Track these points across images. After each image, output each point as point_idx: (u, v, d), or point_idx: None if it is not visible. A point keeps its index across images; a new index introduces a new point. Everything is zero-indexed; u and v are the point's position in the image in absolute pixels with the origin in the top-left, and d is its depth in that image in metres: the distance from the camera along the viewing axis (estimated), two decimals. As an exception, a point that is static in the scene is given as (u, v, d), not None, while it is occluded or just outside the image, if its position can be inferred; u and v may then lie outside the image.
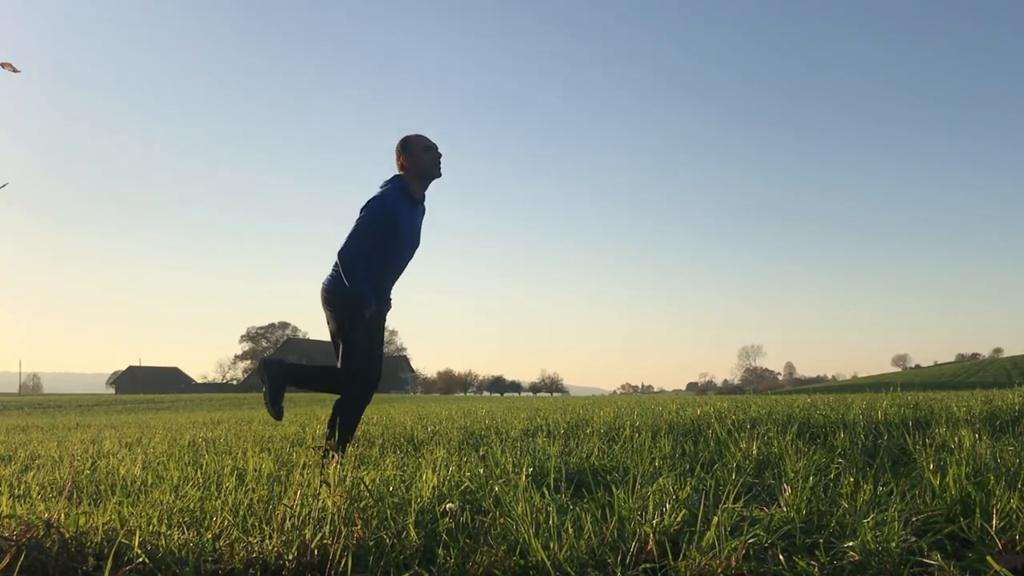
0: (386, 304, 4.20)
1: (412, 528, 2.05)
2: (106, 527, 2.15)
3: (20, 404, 30.31)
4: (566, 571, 1.79)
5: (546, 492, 2.32)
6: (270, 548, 1.93)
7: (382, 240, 3.92)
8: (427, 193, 4.13)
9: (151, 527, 2.14)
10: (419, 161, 3.95)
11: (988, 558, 1.68)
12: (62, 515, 2.16)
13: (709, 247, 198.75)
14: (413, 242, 4.08)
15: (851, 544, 1.81)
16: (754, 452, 3.29)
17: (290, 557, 1.90)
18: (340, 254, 3.91)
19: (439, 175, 4.00)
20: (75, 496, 2.96)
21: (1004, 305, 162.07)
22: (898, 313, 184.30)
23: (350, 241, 3.90)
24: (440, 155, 3.98)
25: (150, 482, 3.24)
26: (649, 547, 1.86)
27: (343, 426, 3.98)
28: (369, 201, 3.92)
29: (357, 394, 4.09)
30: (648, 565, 1.79)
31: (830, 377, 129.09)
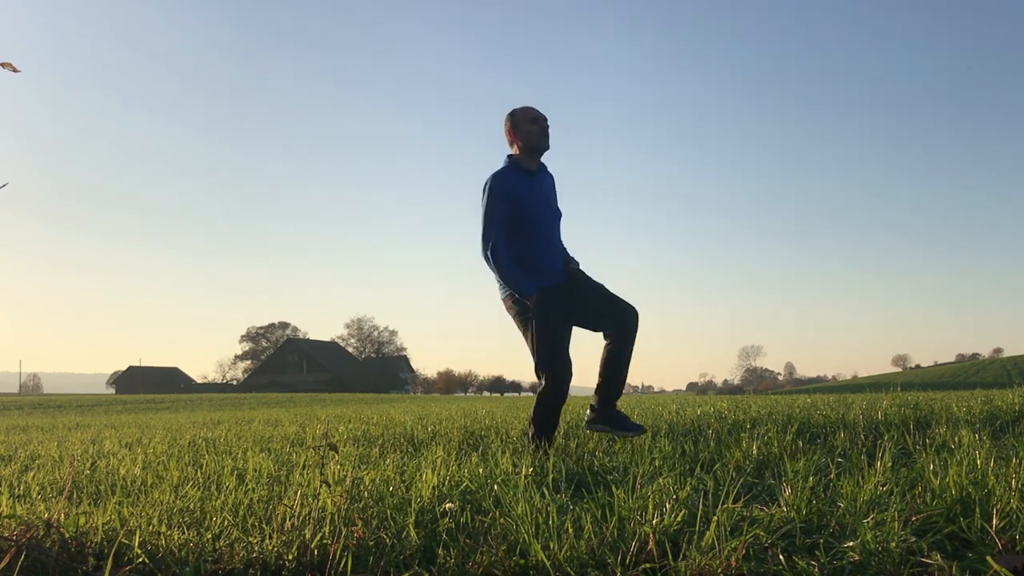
0: (555, 278, 3.87)
1: (412, 528, 2.05)
2: (106, 527, 2.15)
3: (20, 404, 30.31)
4: (566, 571, 1.79)
5: (546, 492, 2.32)
6: (270, 548, 1.93)
7: (508, 220, 3.78)
8: (552, 169, 4.09)
9: (151, 527, 2.14)
10: (525, 134, 3.88)
11: (988, 558, 1.68)
12: (62, 515, 2.16)
13: (709, 247, 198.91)
14: (544, 212, 3.90)
15: (851, 544, 1.81)
16: (754, 452, 3.29)
17: (290, 557, 1.90)
18: (483, 255, 3.80)
19: (547, 147, 3.91)
20: (75, 496, 2.96)
21: (1004, 305, 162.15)
22: (898, 313, 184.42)
23: (482, 237, 3.78)
24: (547, 126, 3.90)
25: (150, 482, 3.24)
26: (649, 547, 1.86)
27: (536, 427, 3.82)
28: (484, 185, 3.84)
29: (545, 396, 3.79)
30: (648, 565, 1.79)
31: (830, 377, 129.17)
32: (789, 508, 2.14)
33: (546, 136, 3.88)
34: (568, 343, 3.90)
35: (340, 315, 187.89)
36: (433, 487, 2.55)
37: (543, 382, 3.79)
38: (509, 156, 3.91)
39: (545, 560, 1.81)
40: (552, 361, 3.77)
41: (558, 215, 4.01)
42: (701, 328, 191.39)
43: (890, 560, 1.75)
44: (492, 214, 3.74)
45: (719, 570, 1.72)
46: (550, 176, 4.05)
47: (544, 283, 3.81)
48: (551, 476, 2.71)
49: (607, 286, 3.96)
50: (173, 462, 3.97)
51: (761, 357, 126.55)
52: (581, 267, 4.05)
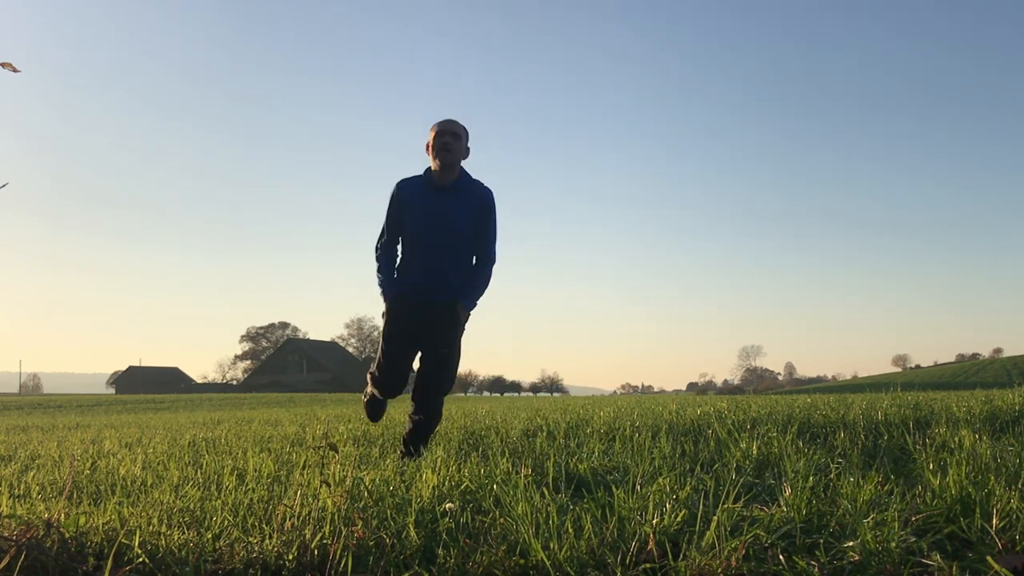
0: (417, 291, 3.74)
1: (412, 528, 2.05)
2: (106, 527, 2.15)
3: (20, 404, 30.31)
4: (566, 571, 1.79)
5: (546, 492, 2.32)
6: (270, 548, 1.93)
7: (399, 229, 3.76)
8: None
9: (151, 527, 2.14)
10: (431, 146, 3.67)
11: (988, 558, 1.68)
12: (62, 515, 2.16)
13: (709, 247, 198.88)
14: (433, 230, 3.68)
15: (851, 544, 1.81)
16: (754, 452, 3.29)
17: (290, 557, 1.90)
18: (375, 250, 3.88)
19: (442, 160, 3.62)
20: (75, 496, 2.96)
21: (1004, 305, 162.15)
22: (898, 313, 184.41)
23: (379, 236, 3.82)
24: (446, 141, 3.61)
25: (150, 482, 3.24)
26: (649, 547, 1.86)
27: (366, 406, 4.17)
28: None
29: (367, 399, 4.12)
30: (648, 565, 1.79)
31: (830, 377, 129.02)
32: (789, 508, 2.14)
33: (443, 150, 3.62)
34: (407, 359, 3.83)
35: (340, 315, 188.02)
36: (433, 487, 2.55)
37: (368, 388, 4.03)
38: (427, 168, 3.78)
39: (545, 560, 1.81)
40: (383, 367, 3.85)
41: (454, 238, 3.72)
42: (701, 328, 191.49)
43: (890, 560, 1.75)
44: (387, 219, 3.77)
45: (719, 570, 1.72)
46: (474, 196, 3.74)
47: (404, 291, 3.74)
48: (551, 476, 2.71)
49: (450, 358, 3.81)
50: (173, 462, 3.97)
51: (761, 357, 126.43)
52: (463, 315, 3.79)
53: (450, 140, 3.62)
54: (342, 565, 1.86)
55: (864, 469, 2.84)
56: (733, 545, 1.78)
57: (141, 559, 1.93)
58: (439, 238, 3.70)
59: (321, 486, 2.21)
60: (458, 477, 2.77)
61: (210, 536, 2.06)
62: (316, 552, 1.93)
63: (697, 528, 1.93)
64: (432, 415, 3.83)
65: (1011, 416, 4.76)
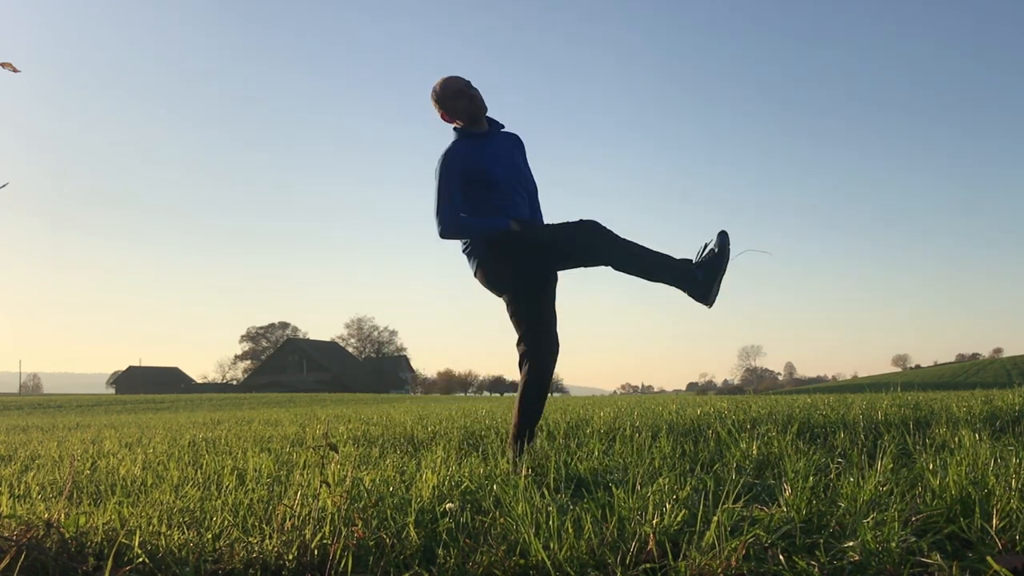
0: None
1: (412, 528, 2.05)
2: (106, 527, 2.15)
3: (20, 404, 30.31)
4: (566, 571, 1.79)
5: (546, 492, 2.32)
6: (270, 548, 1.93)
7: (463, 193, 3.44)
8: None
9: (151, 527, 2.14)
10: (457, 112, 3.54)
11: (988, 558, 1.68)
12: (62, 515, 2.16)
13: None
14: (505, 173, 3.52)
15: (851, 544, 1.81)
16: (754, 452, 3.29)
17: (290, 557, 1.90)
18: (440, 235, 3.45)
19: (484, 109, 3.54)
20: (75, 496, 2.96)
21: (1004, 305, 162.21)
22: (898, 313, 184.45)
23: (436, 216, 3.43)
24: (473, 92, 3.53)
25: (150, 482, 3.24)
26: (649, 547, 1.86)
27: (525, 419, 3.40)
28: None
29: (530, 372, 3.38)
30: (648, 565, 1.79)
31: (830, 377, 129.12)
32: (789, 508, 2.14)
33: (476, 103, 3.53)
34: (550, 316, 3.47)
35: (340, 315, 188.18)
36: (433, 487, 2.55)
37: (528, 353, 3.36)
38: (455, 129, 3.58)
39: (545, 560, 1.81)
40: (534, 327, 3.36)
41: (524, 179, 3.64)
42: (701, 328, 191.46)
43: (890, 560, 1.75)
44: (441, 191, 3.41)
45: (719, 570, 1.72)
46: (512, 137, 3.69)
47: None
48: (551, 476, 2.71)
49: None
50: (173, 462, 3.97)
51: (761, 357, 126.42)
52: None
53: (474, 91, 3.59)
54: (342, 565, 1.86)
55: (864, 469, 2.84)
56: (733, 545, 1.78)
57: (141, 559, 1.93)
58: (515, 181, 3.64)
59: (321, 486, 2.21)
60: (458, 477, 2.77)
61: (210, 536, 2.06)
62: (316, 552, 1.93)
63: (697, 528, 1.93)
64: None
65: (1011, 416, 4.75)
